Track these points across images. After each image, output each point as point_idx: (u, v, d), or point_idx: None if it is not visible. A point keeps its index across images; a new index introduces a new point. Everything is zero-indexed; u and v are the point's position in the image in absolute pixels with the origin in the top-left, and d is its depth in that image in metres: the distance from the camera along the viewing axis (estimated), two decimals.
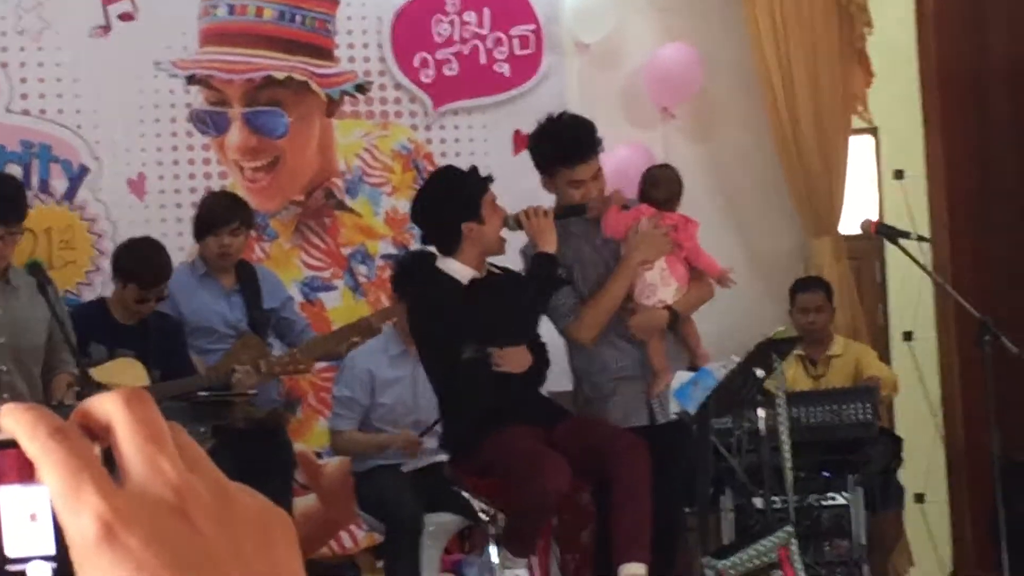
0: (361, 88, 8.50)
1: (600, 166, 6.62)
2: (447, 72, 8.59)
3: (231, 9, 8.31)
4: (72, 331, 6.55)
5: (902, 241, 7.34)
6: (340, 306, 8.32)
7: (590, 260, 6.68)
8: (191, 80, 8.25)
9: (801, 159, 8.72)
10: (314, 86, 8.39)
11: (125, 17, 8.16)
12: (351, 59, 8.49)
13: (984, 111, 9.19)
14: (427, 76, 8.56)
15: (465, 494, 6.57)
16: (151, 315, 6.90)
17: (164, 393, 6.42)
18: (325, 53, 8.45)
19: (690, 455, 6.46)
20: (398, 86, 8.54)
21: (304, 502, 7.97)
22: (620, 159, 8.09)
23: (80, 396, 6.17)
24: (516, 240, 6.49)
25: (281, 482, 7.14)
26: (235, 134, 8.29)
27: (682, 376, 6.42)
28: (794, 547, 6.32)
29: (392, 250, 8.40)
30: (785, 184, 8.80)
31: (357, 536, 8.21)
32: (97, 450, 0.80)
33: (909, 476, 8.48)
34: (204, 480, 0.81)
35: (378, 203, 8.49)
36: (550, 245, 6.32)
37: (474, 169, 6.38)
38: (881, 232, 7.55)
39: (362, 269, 8.45)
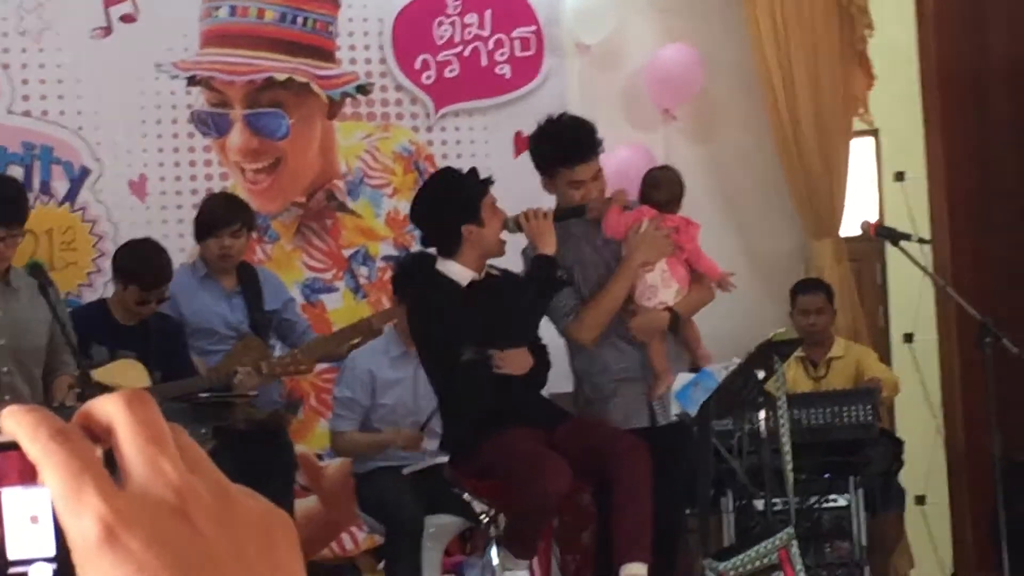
0: (362, 90, 8.50)
1: (600, 167, 6.61)
2: (448, 74, 8.59)
3: (232, 11, 8.31)
4: (73, 332, 6.55)
5: (903, 243, 7.34)
6: (341, 307, 8.32)
7: (591, 261, 6.68)
8: (192, 81, 8.25)
9: (802, 160, 8.72)
10: (315, 88, 8.39)
11: (126, 18, 8.16)
12: (352, 61, 8.50)
13: (984, 113, 9.20)
14: (428, 78, 8.56)
15: (466, 496, 6.57)
16: (152, 316, 6.90)
17: (165, 394, 6.42)
18: (326, 55, 8.45)
19: (691, 456, 6.46)
20: (399, 88, 8.54)
21: (305, 504, 7.97)
22: (621, 160, 8.09)
23: (81, 397, 6.17)
24: (516, 241, 6.49)
25: (282, 483, 7.14)
26: (236, 136, 8.29)
27: (683, 377, 6.43)
28: (795, 549, 6.32)
29: (393, 252, 8.40)
30: (786, 186, 8.80)
31: (358, 538, 8.21)
32: (98, 452, 0.81)
33: (910, 478, 8.48)
34: (205, 481, 0.81)
35: (379, 205, 8.49)
36: (550, 247, 6.31)
37: (473, 171, 6.38)
38: (882, 234, 7.55)
39: (363, 270, 8.45)
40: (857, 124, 8.93)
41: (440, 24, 8.59)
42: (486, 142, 8.60)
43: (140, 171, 8.17)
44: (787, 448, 6.54)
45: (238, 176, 8.29)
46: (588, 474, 6.17)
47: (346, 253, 8.44)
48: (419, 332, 6.52)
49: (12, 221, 6.47)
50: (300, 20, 8.39)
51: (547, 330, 6.62)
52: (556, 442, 6.20)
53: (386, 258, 8.40)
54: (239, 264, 7.32)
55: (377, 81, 8.52)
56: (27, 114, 8.01)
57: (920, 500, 9.00)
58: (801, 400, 7.68)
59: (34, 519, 0.80)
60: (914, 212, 8.92)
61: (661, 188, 6.95)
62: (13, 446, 0.80)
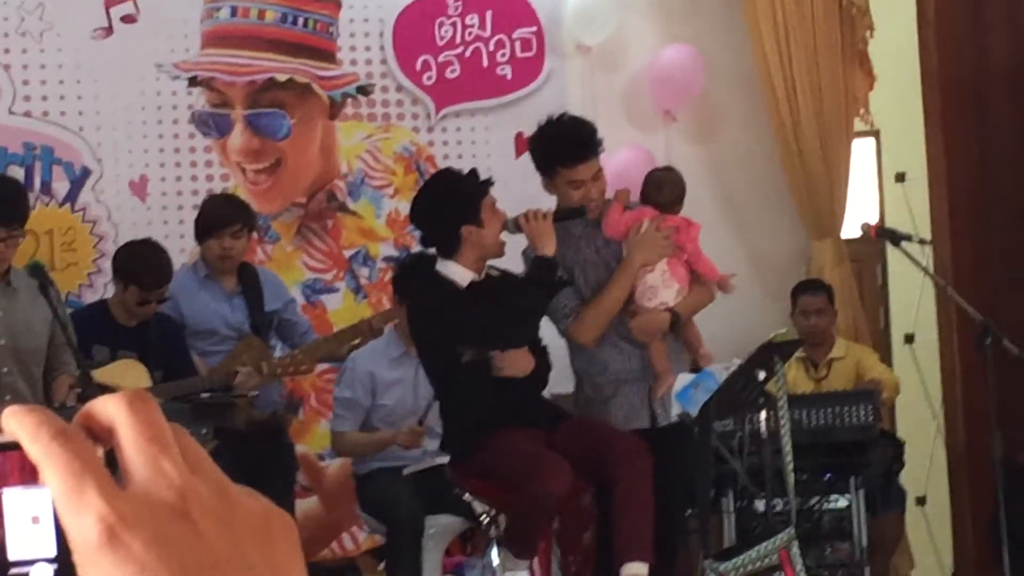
0: (363, 90, 8.50)
1: (600, 167, 6.61)
2: (449, 74, 8.59)
3: (233, 11, 8.32)
4: (73, 333, 6.55)
5: (903, 244, 7.34)
6: (341, 308, 8.32)
7: (591, 262, 6.68)
8: (193, 82, 8.25)
9: (802, 161, 8.72)
10: (316, 88, 8.39)
11: (127, 19, 8.16)
12: (353, 61, 8.50)
13: (985, 114, 9.19)
14: (429, 78, 8.56)
15: (466, 496, 6.56)
16: (152, 317, 6.90)
17: (166, 395, 6.43)
18: (327, 55, 8.45)
19: (691, 457, 6.46)
20: (400, 88, 8.54)
21: (305, 504, 7.97)
22: (621, 161, 8.09)
23: (82, 398, 6.18)
24: (517, 242, 6.49)
25: (283, 484, 7.14)
26: (237, 136, 8.29)
27: (684, 378, 6.42)
28: (795, 549, 6.32)
29: (394, 252, 8.40)
30: (786, 186, 8.81)
31: (358, 538, 8.21)
32: (100, 452, 0.81)
33: (910, 479, 8.48)
34: (206, 482, 0.81)
35: (380, 205, 8.49)
36: (549, 248, 6.31)
37: (473, 172, 6.38)
38: (882, 235, 7.56)
39: (364, 271, 8.45)
40: (858, 125, 8.93)
41: (441, 25, 8.59)
42: (487, 143, 8.60)
43: (141, 172, 8.17)
44: (788, 449, 6.54)
45: (239, 177, 8.29)
46: (589, 474, 6.16)
47: (347, 254, 8.44)
48: (419, 333, 6.52)
49: (12, 221, 6.47)
50: (301, 21, 8.39)
51: (547, 330, 6.62)
52: (556, 442, 6.20)
53: (387, 259, 8.40)
54: (240, 265, 7.33)
55: (378, 82, 8.52)
56: (28, 114, 8.01)
57: (921, 501, 9.00)
58: (802, 401, 7.68)
59: (35, 520, 0.80)
60: (915, 213, 8.92)
61: (663, 189, 6.94)
62: (14, 446, 0.80)
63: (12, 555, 0.80)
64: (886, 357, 8.96)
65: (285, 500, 6.88)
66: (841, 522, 7.75)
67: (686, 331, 6.77)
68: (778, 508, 6.76)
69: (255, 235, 7.78)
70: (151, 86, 8.18)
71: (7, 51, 8.00)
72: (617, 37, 8.71)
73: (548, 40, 8.69)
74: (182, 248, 7.74)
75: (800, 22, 8.70)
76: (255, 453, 6.78)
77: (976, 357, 7.60)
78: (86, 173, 8.08)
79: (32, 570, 0.80)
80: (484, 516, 6.50)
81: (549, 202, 6.64)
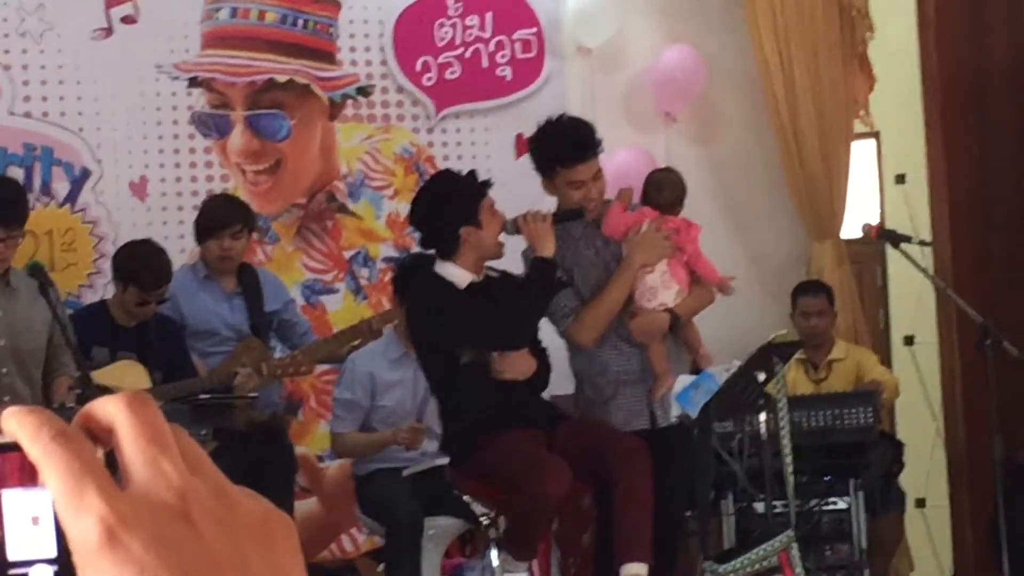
0: (363, 91, 8.50)
1: (600, 167, 6.61)
2: (449, 76, 8.59)
3: (233, 12, 8.32)
4: (73, 333, 6.55)
5: (903, 245, 7.34)
6: (341, 309, 8.32)
7: (591, 263, 6.68)
8: (193, 83, 8.25)
9: (803, 163, 8.72)
10: (316, 89, 8.39)
11: (127, 20, 8.16)
12: (353, 62, 8.50)
13: (985, 115, 9.19)
14: (429, 79, 8.56)
15: (466, 497, 6.57)
16: (152, 318, 6.90)
17: (166, 395, 6.42)
18: (327, 56, 8.45)
19: (691, 458, 6.46)
20: (400, 89, 8.54)
21: (305, 505, 7.97)
22: (622, 162, 8.09)
23: (81, 399, 6.17)
24: (517, 243, 6.49)
25: (283, 485, 7.14)
26: (237, 137, 8.29)
27: (684, 379, 6.42)
28: (795, 551, 6.32)
29: (393, 253, 8.40)
30: (787, 188, 8.81)
31: (358, 540, 8.21)
32: (100, 453, 0.81)
33: (910, 480, 8.48)
34: (206, 483, 0.81)
35: (380, 206, 8.49)
36: (548, 250, 6.31)
37: (472, 173, 6.38)
38: (882, 236, 7.56)
39: (363, 272, 8.45)
40: (858, 126, 8.93)
41: (441, 26, 8.59)
42: (487, 144, 8.60)
43: (141, 172, 8.17)
44: (787, 450, 6.54)
45: (239, 177, 8.29)
46: (588, 475, 6.17)
47: (347, 254, 8.44)
48: (418, 334, 6.52)
49: (12, 222, 6.47)
50: (301, 22, 8.39)
51: (547, 332, 6.62)
52: (556, 443, 6.20)
53: (387, 260, 8.40)
54: (239, 265, 7.33)
55: (378, 83, 8.52)
56: (28, 115, 8.01)
57: (920, 502, 9.00)
58: (801, 402, 7.68)
59: (35, 520, 0.80)
60: (915, 214, 8.92)
61: (663, 190, 6.95)
62: (14, 447, 0.80)
63: (12, 556, 0.79)
64: (886, 358, 8.96)
65: (285, 501, 6.88)
66: (841, 524, 7.75)
67: (686, 332, 6.77)
68: (778, 510, 6.76)
69: (255, 236, 7.78)
70: (151, 87, 8.18)
71: (7, 52, 8.00)
72: (617, 38, 8.71)
73: (548, 41, 8.70)
74: (182, 249, 7.74)
75: (800, 24, 8.70)
76: (255, 454, 6.78)
77: (976, 358, 7.60)
78: (86, 174, 8.08)
79: (32, 571, 0.79)
80: (484, 517, 6.50)
81: (549, 203, 6.64)
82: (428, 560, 7.06)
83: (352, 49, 8.50)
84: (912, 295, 8.97)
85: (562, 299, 6.55)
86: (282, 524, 0.83)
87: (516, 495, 6.08)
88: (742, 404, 6.66)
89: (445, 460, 6.67)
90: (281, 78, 8.32)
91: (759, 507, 7.02)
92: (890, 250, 8.03)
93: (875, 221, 8.61)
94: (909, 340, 9.30)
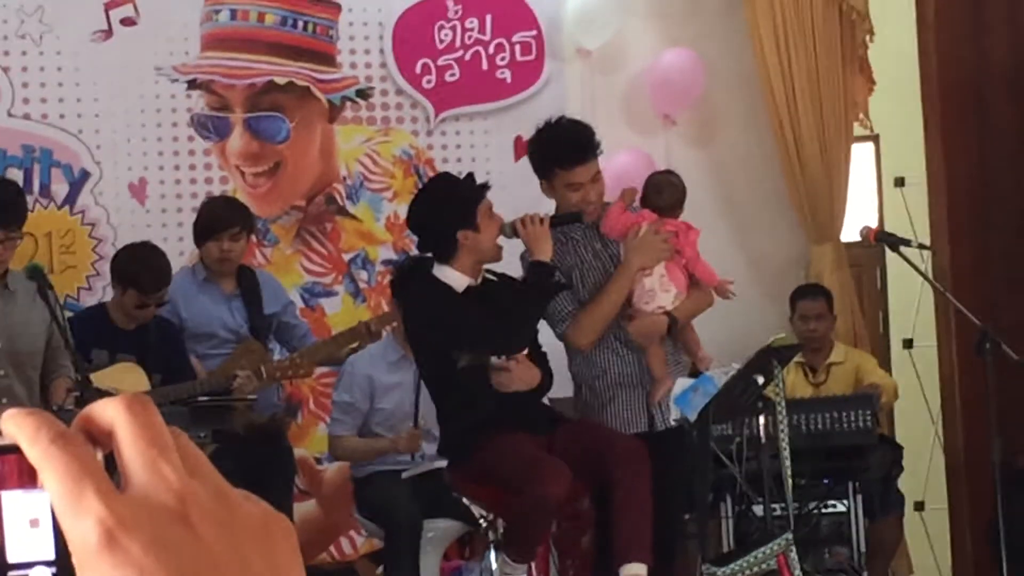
0: (363, 94, 8.50)
1: (599, 169, 6.60)
2: (448, 78, 8.59)
3: (233, 14, 8.32)
4: (72, 336, 6.54)
5: (903, 248, 7.34)
6: (340, 311, 8.33)
7: (590, 265, 6.68)
8: (192, 85, 8.26)
9: (802, 166, 8.72)
10: (316, 91, 8.39)
11: (127, 22, 8.16)
12: (353, 65, 8.50)
13: (985, 118, 9.19)
14: (428, 82, 8.56)
15: (465, 500, 6.56)
16: (151, 320, 6.90)
17: (165, 398, 6.42)
18: (327, 59, 8.45)
19: (690, 461, 6.46)
20: (400, 92, 8.54)
21: (304, 508, 7.97)
22: (621, 165, 8.09)
23: (80, 401, 6.17)
24: (516, 245, 6.48)
25: (282, 487, 7.13)
26: (236, 139, 8.29)
27: (682, 382, 6.42)
28: (793, 554, 6.31)
29: (393, 256, 8.40)
30: (786, 191, 8.81)
31: (356, 542, 8.21)
32: (99, 455, 0.81)
33: (909, 483, 8.48)
34: (205, 485, 0.81)
35: (379, 209, 8.49)
36: (545, 253, 6.31)
37: (470, 176, 6.38)
38: (881, 239, 7.55)
39: (363, 275, 8.45)
40: (857, 129, 8.93)
41: (441, 28, 8.59)
42: (486, 146, 8.60)
43: (140, 174, 8.17)
44: (786, 453, 6.54)
45: (238, 179, 8.30)
46: (588, 475, 6.16)
47: (346, 257, 8.44)
48: (415, 338, 6.52)
49: (10, 223, 6.47)
50: (301, 24, 8.39)
51: (545, 335, 6.62)
52: (556, 444, 6.20)
53: (386, 262, 8.40)
54: (239, 267, 7.33)
55: (377, 85, 8.52)
56: (27, 117, 8.01)
57: (919, 506, 9.00)
58: (800, 405, 7.68)
59: (34, 522, 0.80)
60: (914, 218, 8.92)
61: (663, 193, 6.95)
62: (13, 449, 0.80)
63: (11, 558, 0.79)
64: (885, 362, 8.97)
65: (284, 503, 6.88)
66: (840, 527, 7.75)
67: (685, 335, 6.77)
68: (776, 512, 6.76)
69: (254, 238, 7.78)
70: (150, 89, 8.18)
71: (6, 53, 8.01)
72: (617, 41, 8.71)
73: (548, 44, 8.70)
74: (181, 251, 7.74)
75: (800, 26, 8.70)
76: (254, 456, 6.77)
77: (975, 362, 7.59)
78: (85, 175, 8.08)
79: (31, 573, 0.79)
80: (482, 520, 6.50)
81: (549, 205, 6.64)
82: (427, 562, 7.05)
83: (352, 51, 8.50)
84: (911, 298, 8.98)
85: (560, 302, 6.54)
86: (281, 526, 0.83)
87: (515, 497, 6.08)
88: (741, 407, 6.65)
89: (444, 462, 6.67)
90: (280, 80, 8.32)
91: (758, 510, 7.02)
92: (889, 253, 8.03)
93: (874, 224, 8.62)
94: (908, 343, 9.30)
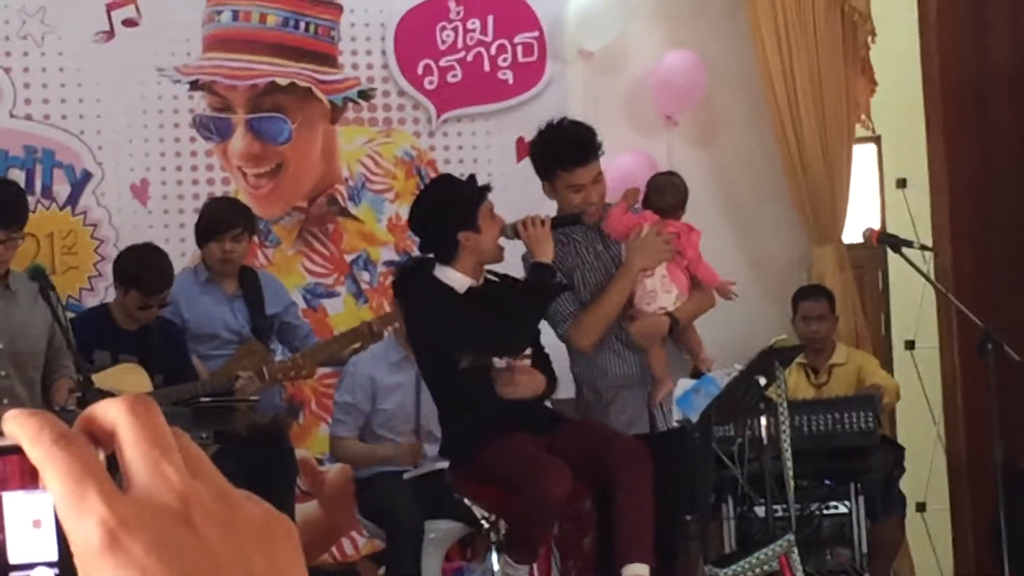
0: (364, 95, 8.50)
1: (600, 170, 6.61)
2: (450, 79, 8.59)
3: (235, 15, 8.32)
4: (74, 336, 6.54)
5: (904, 249, 7.34)
6: (342, 312, 8.33)
7: (591, 266, 6.68)
8: (194, 86, 8.26)
9: (804, 167, 8.72)
10: (318, 92, 8.39)
11: (129, 23, 8.17)
12: (355, 66, 8.50)
13: (987, 119, 9.19)
14: (430, 83, 8.56)
15: (466, 501, 6.56)
16: (154, 321, 6.90)
17: (167, 399, 6.42)
18: (329, 60, 8.45)
19: (691, 463, 6.45)
20: (401, 93, 8.54)
21: (306, 508, 7.97)
22: (623, 166, 8.08)
23: (82, 402, 6.17)
24: (518, 246, 6.49)
25: (284, 488, 7.13)
26: (238, 140, 8.29)
27: (684, 383, 6.42)
28: (795, 555, 6.31)
29: (395, 257, 8.40)
30: (788, 192, 8.81)
31: (358, 543, 8.20)
32: (101, 456, 0.80)
33: (911, 485, 8.47)
34: (208, 486, 0.81)
35: (381, 210, 8.49)
36: (546, 255, 6.31)
37: (472, 178, 6.38)
38: (884, 241, 7.55)
39: (364, 276, 8.45)
40: (859, 130, 8.93)
41: (443, 29, 8.59)
42: (488, 148, 8.60)
43: (142, 175, 8.17)
44: (788, 454, 6.54)
45: (240, 180, 8.30)
46: (590, 476, 6.16)
47: (348, 258, 8.44)
48: (417, 338, 6.52)
49: (11, 224, 6.48)
50: (303, 25, 8.39)
51: (548, 336, 6.62)
52: (557, 445, 6.20)
53: (387, 263, 8.40)
54: (241, 268, 7.33)
55: (379, 86, 8.52)
56: (29, 117, 8.02)
57: (921, 507, 8.99)
58: (802, 407, 7.68)
59: (36, 523, 0.80)
60: (916, 219, 8.91)
61: (665, 194, 6.95)
62: (15, 450, 0.80)
63: (13, 559, 0.79)
64: (887, 363, 8.96)
65: (286, 504, 6.88)
66: (841, 528, 7.75)
67: (687, 336, 6.76)
68: (778, 514, 6.76)
69: (256, 239, 7.78)
70: (152, 90, 8.19)
71: (8, 54, 8.01)
72: (619, 42, 8.71)
73: (550, 45, 8.69)
74: (183, 252, 7.74)
75: (802, 27, 8.70)
76: (256, 457, 6.77)
77: (977, 363, 7.59)
78: (87, 176, 8.08)
79: (33, 573, 0.79)
80: (484, 521, 6.50)
81: (550, 207, 6.64)
82: (429, 563, 7.05)
83: (354, 52, 8.50)
84: (913, 299, 8.97)
85: (562, 303, 6.54)
86: (283, 527, 0.83)
87: (517, 498, 6.08)
88: (743, 408, 6.65)
89: (445, 463, 6.67)
90: (282, 81, 8.32)
91: (760, 511, 7.02)
92: (891, 254, 8.03)
93: (876, 225, 8.61)
94: (910, 344, 9.30)
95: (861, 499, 7.74)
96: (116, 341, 6.84)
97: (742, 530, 7.36)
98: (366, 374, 7.36)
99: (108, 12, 8.13)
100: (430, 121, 8.56)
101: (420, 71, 8.55)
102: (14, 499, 0.80)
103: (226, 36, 8.32)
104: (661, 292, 6.64)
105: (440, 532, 7.12)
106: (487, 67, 8.65)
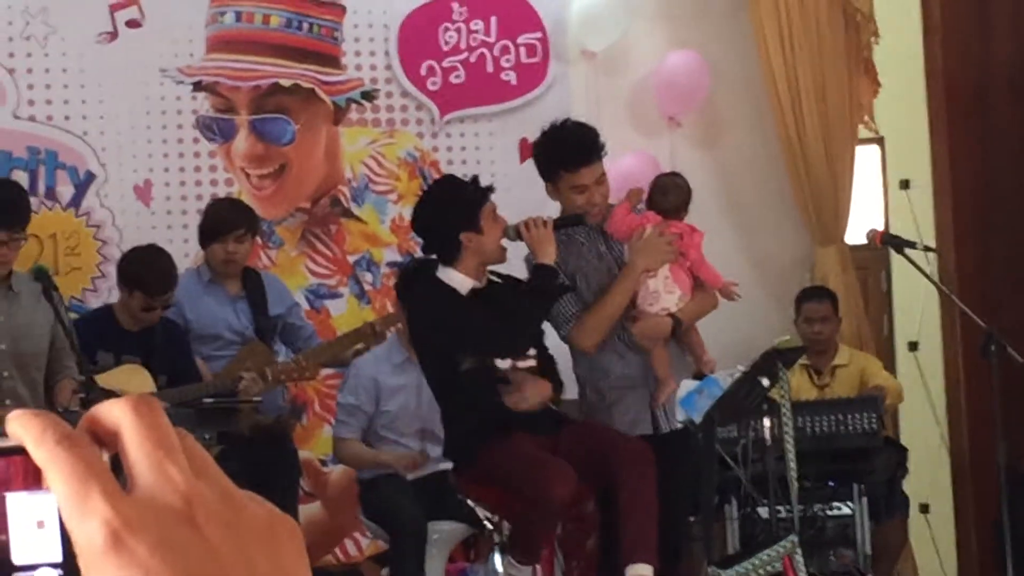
0: (368, 96, 8.50)
1: (604, 171, 6.61)
2: (454, 80, 8.59)
3: (238, 16, 8.32)
4: (77, 337, 6.55)
5: (908, 251, 7.34)
6: (345, 313, 8.33)
7: (594, 267, 6.68)
8: (198, 87, 8.26)
9: (807, 168, 8.71)
10: (321, 94, 8.39)
11: (132, 24, 8.17)
12: (358, 67, 8.50)
13: (990, 120, 9.19)
14: (434, 84, 8.56)
15: (470, 502, 6.56)
16: (157, 322, 6.90)
17: (170, 400, 6.43)
18: (332, 61, 8.45)
19: (695, 464, 6.45)
20: (405, 94, 8.54)
21: (309, 509, 7.97)
22: (626, 167, 8.09)
23: (85, 403, 6.18)
24: (521, 248, 6.49)
25: (287, 489, 7.14)
26: (242, 141, 8.29)
27: (687, 384, 6.42)
28: (798, 556, 6.31)
29: (398, 258, 8.40)
30: (791, 193, 8.80)
31: (362, 544, 8.20)
32: (105, 457, 0.80)
33: (914, 486, 8.47)
34: (212, 487, 0.81)
35: (384, 211, 8.49)
36: (548, 256, 6.32)
37: (474, 179, 6.39)
38: (887, 242, 7.55)
39: (367, 277, 8.45)
40: (862, 132, 8.92)
41: (446, 30, 8.59)
42: (491, 148, 8.59)
43: (145, 176, 8.18)
44: (791, 456, 6.54)
45: (243, 182, 8.30)
46: (593, 476, 6.16)
47: (351, 259, 8.44)
48: (419, 340, 6.53)
49: (14, 225, 6.48)
50: (306, 26, 8.39)
51: (551, 337, 6.62)
52: (561, 445, 6.20)
53: (391, 264, 8.40)
54: (244, 269, 7.33)
55: (382, 87, 8.52)
56: (32, 119, 8.02)
57: (924, 508, 8.99)
58: (805, 408, 7.68)
59: (40, 524, 0.80)
60: (919, 220, 8.91)
61: (669, 194, 6.94)
62: (19, 450, 0.80)
63: (17, 559, 0.79)
64: (890, 364, 8.96)
65: (289, 505, 6.88)
66: (845, 529, 7.74)
67: (689, 337, 6.76)
68: (782, 515, 6.76)
69: (259, 240, 7.78)
70: (155, 91, 8.19)
71: (12, 55, 8.01)
72: (622, 43, 8.71)
73: (553, 46, 8.69)
74: (186, 253, 7.75)
75: (805, 28, 8.70)
76: (259, 458, 6.77)
77: (980, 364, 7.59)
78: (90, 177, 8.08)
79: (37, 574, 0.79)
80: (487, 522, 6.50)
81: (553, 208, 6.64)
82: (432, 565, 7.05)
83: (357, 53, 8.50)
84: (916, 301, 8.97)
85: (564, 304, 6.54)
86: (287, 527, 0.83)
87: (520, 499, 6.08)
88: (746, 409, 6.65)
89: (449, 465, 6.67)
90: (286, 82, 8.32)
91: (763, 512, 7.02)
92: (894, 255, 8.02)
93: (879, 226, 8.60)
94: (913, 346, 9.30)
95: (864, 500, 7.73)
96: (119, 342, 6.85)
97: (745, 531, 7.36)
98: (369, 375, 7.36)
99: (111, 13, 8.14)
100: (433, 122, 8.56)
101: (423, 72, 8.55)
102: (18, 500, 0.80)
103: (229, 37, 8.32)
104: (664, 293, 6.64)
105: (443, 533, 7.12)
106: (490, 68, 8.65)
